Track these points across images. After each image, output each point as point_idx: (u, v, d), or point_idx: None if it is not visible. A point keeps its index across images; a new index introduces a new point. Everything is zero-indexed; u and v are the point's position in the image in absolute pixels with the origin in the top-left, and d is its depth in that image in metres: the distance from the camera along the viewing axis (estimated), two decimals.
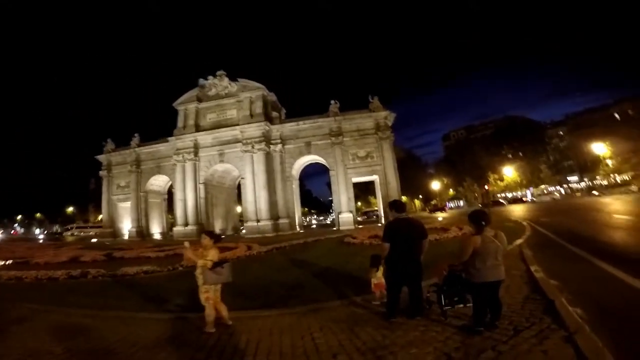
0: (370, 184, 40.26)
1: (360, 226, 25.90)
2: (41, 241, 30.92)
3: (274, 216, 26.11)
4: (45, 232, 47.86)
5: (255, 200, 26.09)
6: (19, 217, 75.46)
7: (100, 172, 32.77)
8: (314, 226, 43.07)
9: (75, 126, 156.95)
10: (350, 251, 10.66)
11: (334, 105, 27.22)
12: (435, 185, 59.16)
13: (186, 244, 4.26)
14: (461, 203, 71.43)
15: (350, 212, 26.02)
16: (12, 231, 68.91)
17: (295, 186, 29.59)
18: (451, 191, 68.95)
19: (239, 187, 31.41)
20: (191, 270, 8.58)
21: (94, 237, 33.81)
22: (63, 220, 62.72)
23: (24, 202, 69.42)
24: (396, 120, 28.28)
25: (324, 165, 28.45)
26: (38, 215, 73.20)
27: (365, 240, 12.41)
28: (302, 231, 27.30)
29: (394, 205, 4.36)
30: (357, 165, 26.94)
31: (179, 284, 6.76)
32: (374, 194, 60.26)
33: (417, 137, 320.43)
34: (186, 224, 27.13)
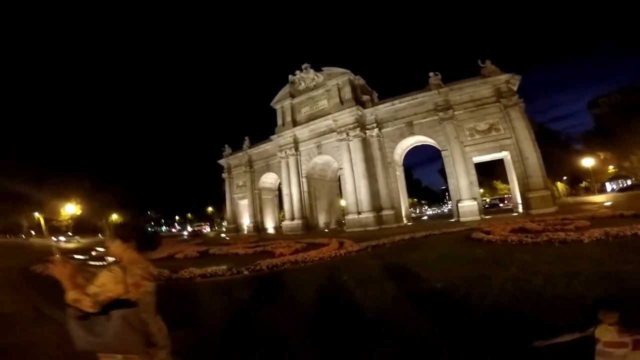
0: (495, 165, 32.38)
1: (488, 217, 20.13)
2: (184, 237, 37.25)
3: (377, 207, 23.42)
4: (189, 229, 61.06)
5: (355, 191, 24.11)
6: (177, 217, 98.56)
7: (223, 175, 37.52)
8: (425, 218, 37.43)
9: (208, 138, 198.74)
10: (485, 255, 6.52)
11: (434, 77, 22.71)
12: (587, 162, 43.86)
13: (55, 255, 1.82)
14: (628, 182, 51.19)
15: (474, 199, 20.77)
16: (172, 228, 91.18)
17: (399, 173, 26.07)
18: (611, 168, 49.88)
19: (340, 179, 30.19)
20: (257, 276, 6.94)
21: (222, 233, 39.11)
22: (206, 219, 77.95)
23: (179, 205, 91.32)
24: (520, 89, 21.60)
25: (433, 150, 23.85)
26: (189, 215, 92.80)
27: (511, 237, 7.82)
28: (410, 224, 23.59)
29: None
30: (478, 142, 21.46)
31: (223, 296, 5.06)
32: (500, 177, 49.16)
33: (543, 112, 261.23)
34: (293, 218, 27.62)
